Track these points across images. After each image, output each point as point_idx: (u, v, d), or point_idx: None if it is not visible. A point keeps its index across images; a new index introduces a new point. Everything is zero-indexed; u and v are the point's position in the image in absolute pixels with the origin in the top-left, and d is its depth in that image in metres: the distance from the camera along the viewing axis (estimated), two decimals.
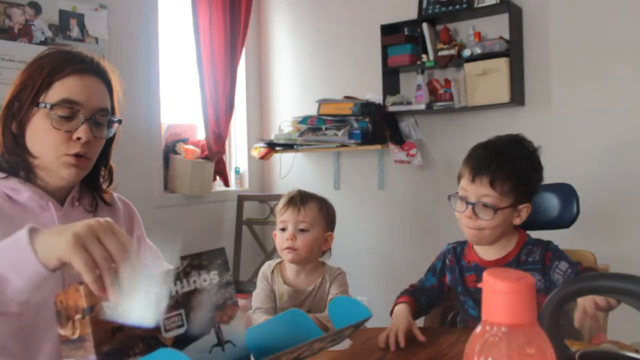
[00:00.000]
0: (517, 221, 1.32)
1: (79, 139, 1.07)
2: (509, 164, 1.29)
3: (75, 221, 1.13)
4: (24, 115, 1.07)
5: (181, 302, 0.78)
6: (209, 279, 0.82)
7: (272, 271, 1.59)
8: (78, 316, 0.69)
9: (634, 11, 2.68)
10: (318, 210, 1.57)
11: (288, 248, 1.53)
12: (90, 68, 1.11)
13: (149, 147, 3.34)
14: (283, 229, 1.56)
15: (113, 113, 1.16)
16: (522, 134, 1.40)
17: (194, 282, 0.80)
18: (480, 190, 1.28)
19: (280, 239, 1.56)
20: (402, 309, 1.27)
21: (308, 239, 1.53)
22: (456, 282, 1.42)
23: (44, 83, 1.06)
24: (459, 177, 1.36)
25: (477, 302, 1.38)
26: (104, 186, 1.24)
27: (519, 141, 1.38)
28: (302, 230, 1.53)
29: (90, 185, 1.20)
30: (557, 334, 0.75)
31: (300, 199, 1.56)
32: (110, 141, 1.20)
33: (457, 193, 1.34)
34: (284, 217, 1.56)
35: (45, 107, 1.06)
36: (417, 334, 1.16)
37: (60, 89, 1.06)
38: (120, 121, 1.17)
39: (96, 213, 1.20)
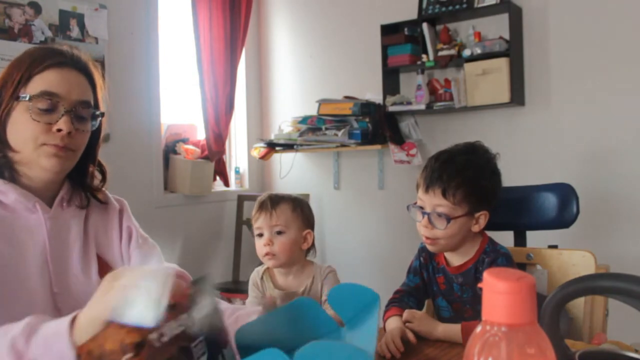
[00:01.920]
0: (476, 228, 1.34)
1: (59, 130, 1.05)
2: (459, 174, 1.30)
3: (66, 223, 1.12)
4: (4, 111, 1.06)
5: (199, 329, 0.76)
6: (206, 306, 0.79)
7: (262, 277, 1.59)
8: (127, 356, 0.67)
9: (634, 11, 2.68)
10: (291, 211, 1.55)
11: (267, 254, 1.53)
12: (69, 62, 1.10)
13: (149, 147, 3.34)
14: (260, 235, 1.55)
15: (97, 107, 1.15)
16: (479, 142, 1.41)
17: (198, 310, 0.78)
18: (434, 201, 1.31)
19: (259, 246, 1.55)
20: (392, 319, 1.28)
21: (285, 242, 1.52)
22: (431, 281, 1.43)
23: (22, 78, 1.05)
24: (417, 187, 1.38)
25: (451, 303, 1.39)
26: (99, 186, 1.22)
27: (472, 150, 1.39)
28: (278, 233, 1.53)
29: (80, 184, 1.19)
30: (557, 334, 0.75)
31: (271, 203, 1.55)
32: (96, 138, 1.19)
33: (415, 203, 1.36)
34: (258, 224, 1.55)
35: (24, 99, 1.04)
36: (409, 336, 1.18)
37: (39, 82, 1.06)
38: (103, 114, 1.15)
39: (88, 210, 1.19)
